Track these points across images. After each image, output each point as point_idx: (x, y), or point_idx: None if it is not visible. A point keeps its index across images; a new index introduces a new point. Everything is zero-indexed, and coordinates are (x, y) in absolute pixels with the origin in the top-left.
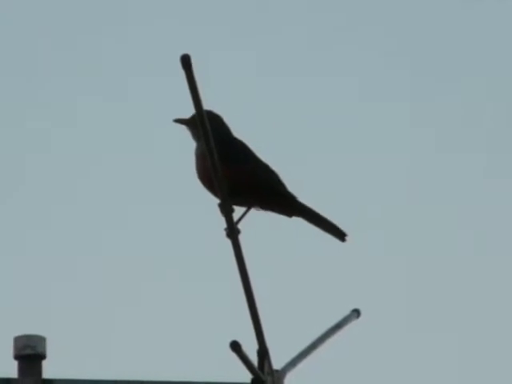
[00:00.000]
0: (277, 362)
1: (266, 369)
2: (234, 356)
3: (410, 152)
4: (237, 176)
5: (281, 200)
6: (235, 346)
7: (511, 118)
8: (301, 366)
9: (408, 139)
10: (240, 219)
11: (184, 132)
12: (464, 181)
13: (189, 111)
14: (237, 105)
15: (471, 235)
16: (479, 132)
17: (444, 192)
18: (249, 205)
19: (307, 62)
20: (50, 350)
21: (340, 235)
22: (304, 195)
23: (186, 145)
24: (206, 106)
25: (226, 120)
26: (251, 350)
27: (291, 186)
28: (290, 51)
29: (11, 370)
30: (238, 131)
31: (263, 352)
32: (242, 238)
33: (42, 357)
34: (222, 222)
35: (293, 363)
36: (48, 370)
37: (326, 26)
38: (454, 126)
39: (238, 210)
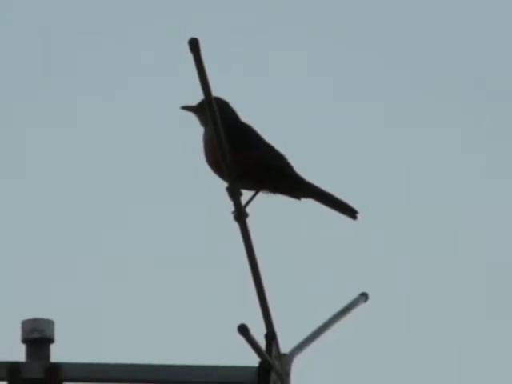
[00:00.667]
0: (285, 346)
1: (274, 352)
2: (241, 339)
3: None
4: (245, 160)
5: (289, 182)
6: (243, 330)
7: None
8: (308, 349)
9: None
10: (248, 202)
11: (190, 119)
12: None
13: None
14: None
15: (484, 219)
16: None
17: (458, 179)
18: (257, 188)
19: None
20: (58, 334)
21: (351, 213)
22: (312, 177)
23: (192, 132)
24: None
25: (233, 106)
26: (259, 333)
27: (299, 168)
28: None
29: (19, 353)
30: (246, 116)
31: (271, 336)
32: (249, 221)
33: (50, 340)
34: (230, 206)
35: (300, 347)
36: (56, 353)
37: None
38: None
39: (246, 194)
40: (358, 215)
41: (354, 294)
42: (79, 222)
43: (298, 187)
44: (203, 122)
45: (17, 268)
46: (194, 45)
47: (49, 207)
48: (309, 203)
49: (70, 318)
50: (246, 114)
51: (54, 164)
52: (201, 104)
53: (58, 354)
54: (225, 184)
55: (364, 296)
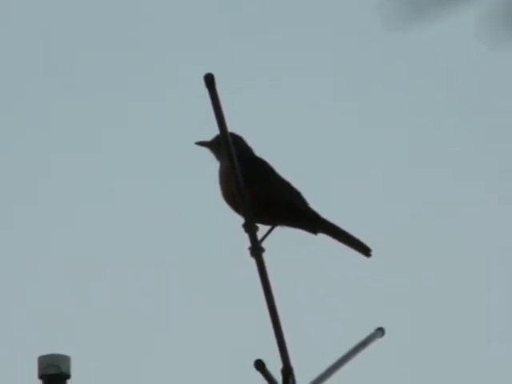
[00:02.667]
0: (301, 381)
1: None
2: (258, 375)
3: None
4: (260, 196)
5: (304, 218)
6: (259, 365)
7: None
8: None
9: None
10: (264, 237)
11: (205, 154)
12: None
13: (204, 135)
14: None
15: (498, 258)
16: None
17: (470, 214)
18: (273, 223)
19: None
20: (74, 370)
21: (365, 250)
22: (327, 211)
23: (208, 166)
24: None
25: (247, 140)
26: (275, 368)
27: (314, 203)
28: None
29: None
30: (258, 150)
31: (287, 371)
32: (266, 256)
33: (67, 376)
34: (247, 241)
35: (317, 382)
36: None
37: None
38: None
39: (263, 229)
40: (372, 253)
41: (370, 329)
42: (95, 261)
43: (312, 223)
44: (218, 156)
45: (33, 304)
46: (209, 81)
47: (62, 246)
48: (325, 237)
49: (86, 353)
50: (259, 146)
51: (53, 198)
52: (216, 139)
53: None
54: (241, 219)
55: (380, 331)
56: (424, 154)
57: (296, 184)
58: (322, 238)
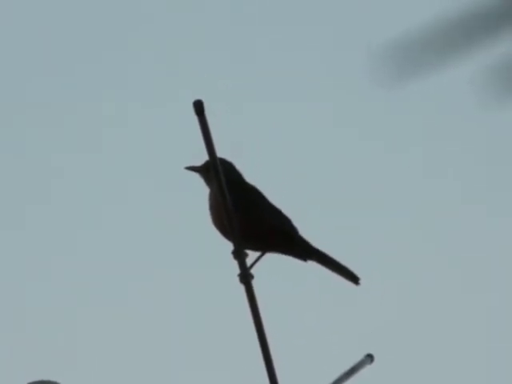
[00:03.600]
0: None
1: None
2: None
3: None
4: (250, 222)
5: (294, 246)
6: None
7: None
8: None
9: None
10: (253, 264)
11: (195, 179)
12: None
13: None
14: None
15: (493, 280)
16: None
17: (457, 241)
18: (262, 250)
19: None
20: None
21: (354, 279)
22: (317, 239)
23: (197, 192)
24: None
25: (237, 165)
26: None
27: (304, 231)
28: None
29: None
30: (249, 176)
31: None
32: (255, 283)
33: None
34: (236, 268)
35: None
36: None
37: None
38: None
39: (252, 255)
40: (360, 281)
41: (359, 356)
42: (82, 285)
43: (302, 251)
44: (208, 182)
45: (22, 330)
46: (198, 107)
47: (60, 255)
48: (314, 264)
49: (75, 379)
50: (249, 171)
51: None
52: (206, 164)
53: None
54: (230, 246)
55: (369, 357)
56: (415, 181)
57: (286, 211)
58: (312, 264)
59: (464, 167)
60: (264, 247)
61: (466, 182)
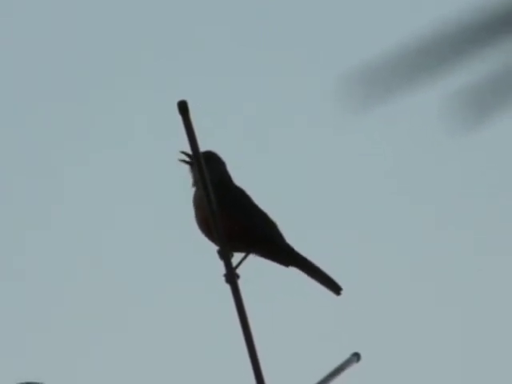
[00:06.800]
0: None
1: None
2: None
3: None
4: (235, 226)
5: (278, 251)
6: None
7: None
8: None
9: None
10: (239, 264)
11: (183, 178)
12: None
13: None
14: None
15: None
16: None
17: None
18: (247, 251)
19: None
20: None
21: (335, 289)
22: (302, 245)
23: (185, 193)
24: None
25: (229, 167)
26: None
27: (289, 235)
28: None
29: None
30: (238, 179)
31: None
32: (240, 282)
33: None
34: (221, 268)
35: None
36: None
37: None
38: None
39: (238, 255)
40: (342, 292)
41: (346, 354)
42: (70, 292)
43: (286, 257)
44: (195, 182)
45: (9, 331)
46: (182, 107)
47: (58, 258)
48: (296, 271)
49: (62, 382)
50: (240, 172)
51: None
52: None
53: None
54: (215, 247)
55: (356, 356)
56: (403, 198)
57: (273, 215)
58: (294, 270)
59: (443, 181)
60: (248, 248)
61: (444, 196)
